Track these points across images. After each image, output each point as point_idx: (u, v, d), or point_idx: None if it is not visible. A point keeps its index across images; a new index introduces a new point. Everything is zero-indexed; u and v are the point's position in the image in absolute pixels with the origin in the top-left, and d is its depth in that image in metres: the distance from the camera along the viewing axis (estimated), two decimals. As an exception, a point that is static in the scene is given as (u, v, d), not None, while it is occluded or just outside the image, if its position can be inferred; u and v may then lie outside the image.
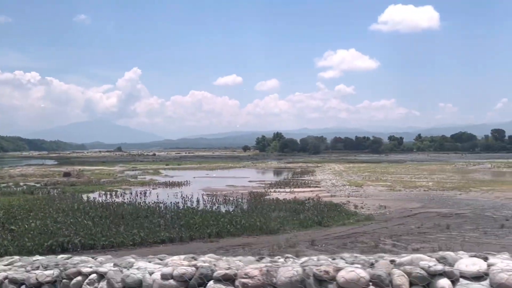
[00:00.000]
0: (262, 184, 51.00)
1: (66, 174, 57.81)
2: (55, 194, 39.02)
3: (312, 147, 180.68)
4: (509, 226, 21.15)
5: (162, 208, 28.64)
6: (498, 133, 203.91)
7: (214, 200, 34.88)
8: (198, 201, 34.14)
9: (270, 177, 63.71)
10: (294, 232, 21.35)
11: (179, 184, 50.07)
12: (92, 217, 24.43)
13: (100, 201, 33.05)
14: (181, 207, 29.42)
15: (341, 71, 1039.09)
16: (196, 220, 22.92)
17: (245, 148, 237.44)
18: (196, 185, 49.35)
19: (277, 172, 76.60)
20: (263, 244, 18.43)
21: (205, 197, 37.05)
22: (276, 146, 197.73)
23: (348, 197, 35.45)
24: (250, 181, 54.86)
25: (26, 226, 21.21)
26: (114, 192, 41.13)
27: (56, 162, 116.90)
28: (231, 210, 28.07)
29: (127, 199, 35.53)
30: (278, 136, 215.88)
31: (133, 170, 76.07)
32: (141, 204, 31.21)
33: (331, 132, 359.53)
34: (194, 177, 59.98)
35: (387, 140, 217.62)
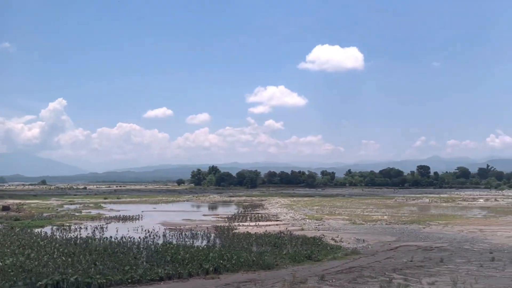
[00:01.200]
0: (217, 218, 50.05)
1: (5, 208, 53.51)
2: (3, 229, 35.70)
3: (249, 181, 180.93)
4: (499, 259, 21.87)
5: (135, 244, 27.02)
6: (423, 169, 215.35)
7: (180, 234, 33.63)
8: (164, 235, 32.81)
9: (222, 211, 62.57)
10: (290, 267, 20.85)
11: (131, 219, 47.87)
12: (65, 254, 22.54)
13: (63, 236, 30.73)
14: (151, 243, 27.88)
15: (271, 107, 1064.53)
16: (183, 256, 21.78)
17: (179, 182, 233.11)
18: (151, 219, 47.48)
19: (225, 205, 75.64)
20: (270, 280, 17.73)
21: (168, 231, 35.72)
22: (212, 180, 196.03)
23: (318, 230, 35.43)
24: (204, 215, 53.72)
25: (0, 263, 19.15)
26: (67, 227, 38.49)
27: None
28: (203, 245, 27.11)
29: (85, 234, 33.32)
30: (213, 169, 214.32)
31: (71, 204, 71.93)
32: (108, 239, 29.27)
33: (261, 166, 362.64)
34: (142, 211, 57.70)
35: (320, 174, 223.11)
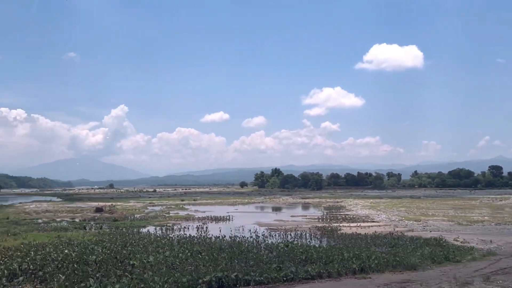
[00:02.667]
0: (307, 218, 49.57)
1: (98, 210, 55.52)
2: (112, 229, 36.81)
3: (314, 183, 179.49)
4: None
5: (252, 243, 26.93)
6: (495, 170, 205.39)
7: (285, 234, 33.37)
8: (270, 235, 32.66)
9: (306, 212, 61.99)
10: (435, 268, 19.93)
11: (223, 219, 48.32)
12: (195, 252, 22.73)
13: (176, 235, 31.21)
14: (268, 242, 27.61)
15: (327, 108, 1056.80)
16: (319, 255, 21.35)
17: (242, 184, 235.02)
18: (242, 220, 47.57)
19: (303, 207, 75.02)
20: (432, 281, 16.89)
21: (270, 232, 35.59)
22: (276, 182, 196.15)
23: (430, 231, 34.09)
24: (292, 216, 53.34)
25: (145, 261, 19.48)
26: (170, 227, 39.34)
27: (60, 199, 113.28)
28: (317, 245, 26.63)
29: (191, 233, 33.72)
30: (276, 172, 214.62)
31: (153, 206, 73.75)
32: (224, 238, 29.37)
33: (318, 168, 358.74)
34: (227, 212, 58.04)
35: (385, 176, 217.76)
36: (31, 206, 74.31)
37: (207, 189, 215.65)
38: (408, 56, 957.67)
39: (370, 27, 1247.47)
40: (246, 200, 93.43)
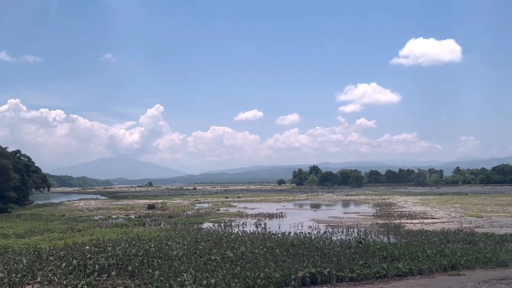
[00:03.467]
0: (362, 215, 48.80)
1: (151, 207, 56.24)
2: (171, 225, 37.08)
3: (354, 180, 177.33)
4: None
5: (323, 239, 26.50)
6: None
7: (348, 231, 32.87)
8: (334, 232, 32.18)
9: (356, 209, 61.04)
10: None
11: (276, 216, 48.07)
12: (268, 248, 22.47)
13: (238, 231, 31.10)
14: (330, 238, 27.14)
15: (362, 105, 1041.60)
16: (400, 252, 20.72)
17: (280, 182, 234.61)
18: (296, 217, 47.21)
19: (351, 204, 74.05)
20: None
21: (329, 228, 35.04)
22: (314, 179, 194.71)
23: (500, 227, 32.91)
24: (345, 213, 52.66)
25: (225, 256, 19.35)
26: (227, 223, 39.36)
27: (105, 197, 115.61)
28: (385, 242, 25.97)
29: (249, 229, 33.56)
30: (314, 169, 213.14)
31: (200, 203, 74.26)
32: (290, 235, 29.06)
33: (353, 165, 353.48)
34: (277, 209, 57.74)
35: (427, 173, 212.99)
36: (80, 204, 75.99)
37: (244, 187, 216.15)
38: (445, 50, 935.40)
39: (406, 21, 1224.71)
40: (291, 198, 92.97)
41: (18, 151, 75.85)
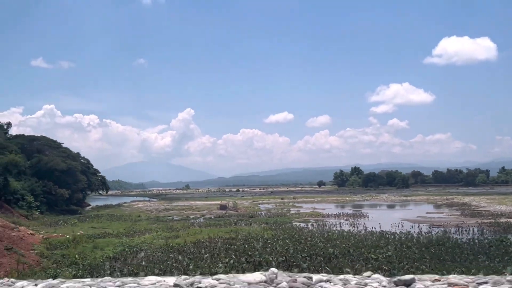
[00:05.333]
0: (446, 215, 47.29)
1: (223, 207, 55.98)
2: (267, 225, 36.42)
3: (400, 181, 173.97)
4: None
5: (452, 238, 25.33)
6: None
7: (456, 230, 31.57)
8: (440, 231, 30.86)
9: (437, 209, 58.88)
10: None
11: (359, 216, 47.07)
12: (408, 247, 21.51)
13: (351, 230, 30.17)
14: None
15: (394, 105, 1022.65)
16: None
17: (320, 183, 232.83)
18: (382, 217, 45.89)
19: (420, 204, 72.07)
20: None
21: (434, 228, 33.80)
22: (356, 181, 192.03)
23: None
24: (427, 213, 51.05)
25: (386, 255, 18.42)
26: (320, 223, 38.54)
27: (153, 199, 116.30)
28: None
29: (350, 229, 32.65)
30: (356, 170, 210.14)
31: (260, 204, 73.61)
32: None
33: (385, 167, 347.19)
34: (353, 209, 56.49)
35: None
36: (140, 205, 76.36)
37: (284, 189, 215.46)
38: (480, 48, 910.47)
39: (439, 19, 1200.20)
40: (348, 199, 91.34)
41: (77, 154, 76.66)
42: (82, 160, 76.15)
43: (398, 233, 28.79)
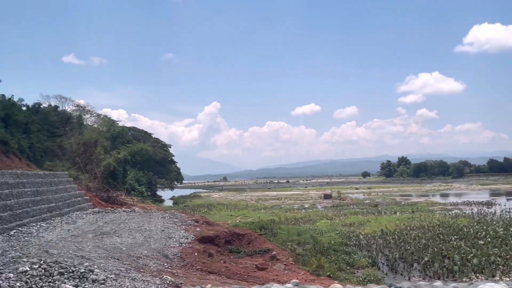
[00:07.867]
0: None
1: (327, 196, 56.07)
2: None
3: (455, 171, 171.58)
4: None
5: None
6: None
7: None
8: None
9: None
10: None
11: (481, 204, 46.01)
12: None
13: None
14: None
15: (424, 95, 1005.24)
16: None
17: (365, 174, 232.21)
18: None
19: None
20: None
21: None
22: (405, 171, 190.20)
23: None
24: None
25: None
26: (463, 212, 37.66)
27: (216, 190, 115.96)
28: None
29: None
30: (403, 160, 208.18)
31: (349, 194, 72.91)
32: None
33: (413, 158, 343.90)
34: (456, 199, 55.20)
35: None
36: (215, 196, 76.77)
37: (327, 179, 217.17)
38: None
39: (469, 6, 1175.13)
40: (418, 188, 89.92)
41: (168, 145, 74.71)
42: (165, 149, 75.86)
43: None
